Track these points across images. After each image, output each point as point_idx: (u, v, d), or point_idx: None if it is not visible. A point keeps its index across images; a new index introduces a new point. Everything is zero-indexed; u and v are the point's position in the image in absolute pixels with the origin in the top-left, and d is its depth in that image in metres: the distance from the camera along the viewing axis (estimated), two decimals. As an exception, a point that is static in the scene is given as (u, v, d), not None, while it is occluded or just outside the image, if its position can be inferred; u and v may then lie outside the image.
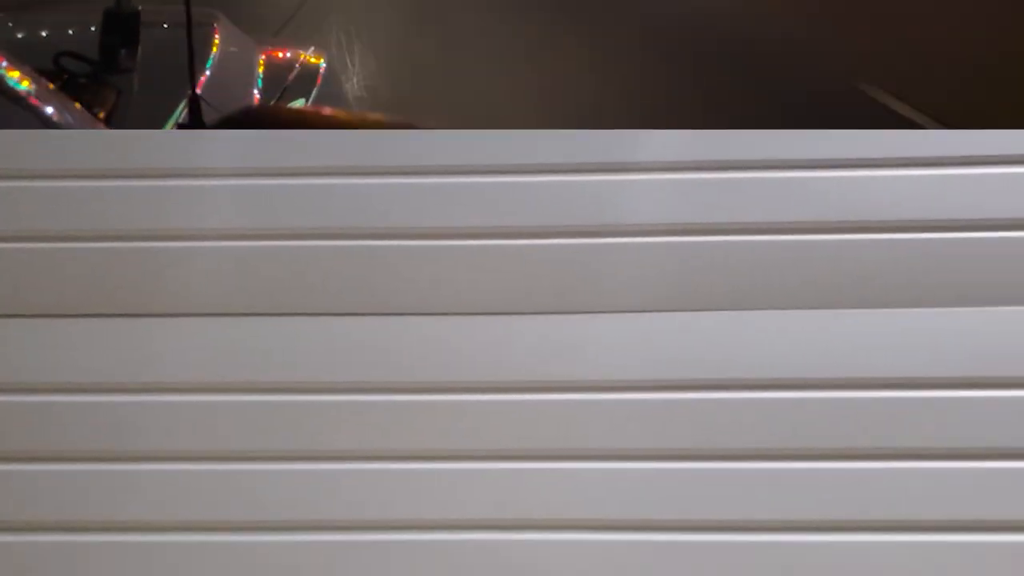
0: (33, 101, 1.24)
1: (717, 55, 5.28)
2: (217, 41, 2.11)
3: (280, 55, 2.37)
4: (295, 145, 1.17)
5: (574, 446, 1.10)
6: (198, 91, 1.42)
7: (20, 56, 1.30)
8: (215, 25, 2.17)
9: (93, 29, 1.83)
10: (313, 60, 2.42)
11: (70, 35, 2.16)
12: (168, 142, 1.18)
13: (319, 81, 2.35)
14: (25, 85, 1.25)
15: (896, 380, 1.09)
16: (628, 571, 1.08)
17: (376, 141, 1.17)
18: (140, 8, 1.78)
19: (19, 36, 2.20)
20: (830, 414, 1.09)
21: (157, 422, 1.13)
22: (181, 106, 1.63)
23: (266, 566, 1.09)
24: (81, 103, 1.41)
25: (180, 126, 1.60)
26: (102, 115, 1.59)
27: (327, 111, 1.86)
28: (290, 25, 5.64)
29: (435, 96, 4.40)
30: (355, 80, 4.63)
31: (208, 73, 1.98)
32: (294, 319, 1.14)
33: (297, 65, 2.34)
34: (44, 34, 2.24)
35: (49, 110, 1.25)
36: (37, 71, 1.33)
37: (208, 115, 1.41)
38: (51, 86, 1.36)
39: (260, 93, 2.15)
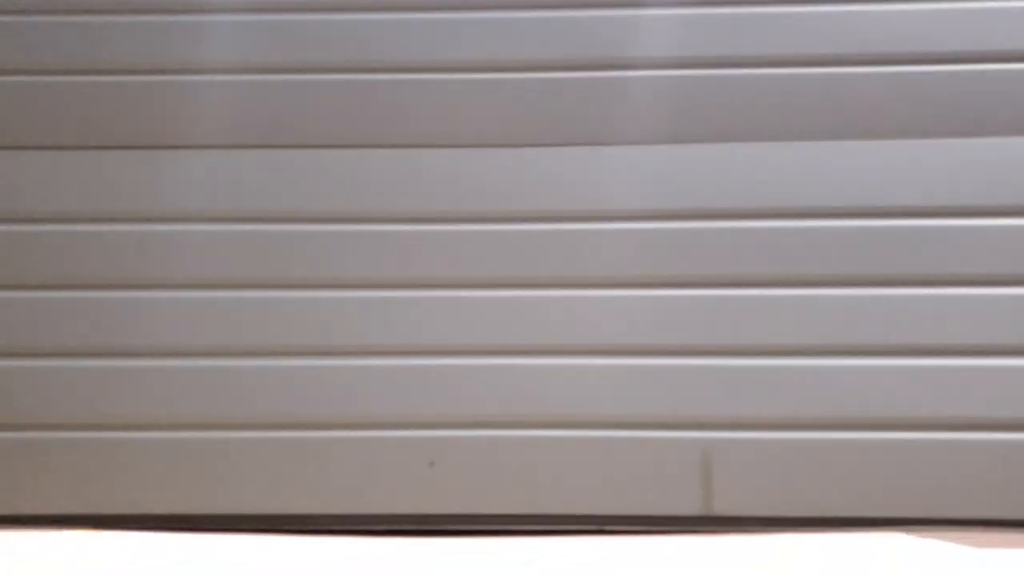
0: None
1: None
2: None
3: None
4: None
5: (576, 274, 1.13)
6: None
7: None
8: None
9: None
10: None
11: None
12: None
13: None
14: None
15: (891, 209, 1.12)
16: (627, 393, 1.11)
17: None
18: None
19: None
20: (825, 242, 1.12)
21: (163, 250, 1.14)
22: None
23: (270, 389, 1.11)
24: None
25: None
26: None
27: None
28: None
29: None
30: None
31: None
32: (301, 152, 1.15)
33: None
34: None
35: None
36: None
37: None
38: None
39: None
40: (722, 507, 1.07)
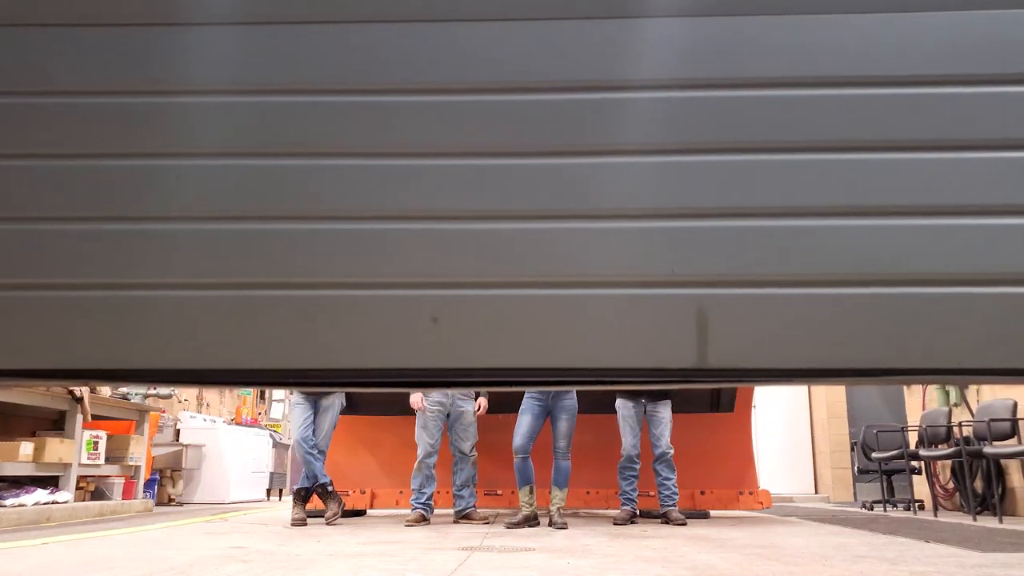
0: None
1: None
2: None
3: None
4: None
5: (577, 142, 1.17)
6: None
7: None
8: None
9: None
10: None
11: None
12: None
13: None
14: None
15: (895, 78, 1.16)
16: (626, 254, 1.15)
17: None
18: None
19: None
20: (833, 109, 1.16)
21: (176, 121, 1.19)
22: None
23: (281, 251, 1.16)
24: None
25: None
26: None
27: None
28: None
29: None
30: None
31: None
32: (307, 26, 1.20)
33: None
34: None
35: None
36: None
37: None
38: None
39: None
40: (716, 360, 1.12)
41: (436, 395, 5.85)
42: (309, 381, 1.19)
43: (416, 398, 5.82)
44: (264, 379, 1.18)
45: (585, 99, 1.18)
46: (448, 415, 5.88)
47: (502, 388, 1.17)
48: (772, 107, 1.17)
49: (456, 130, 1.19)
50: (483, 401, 5.98)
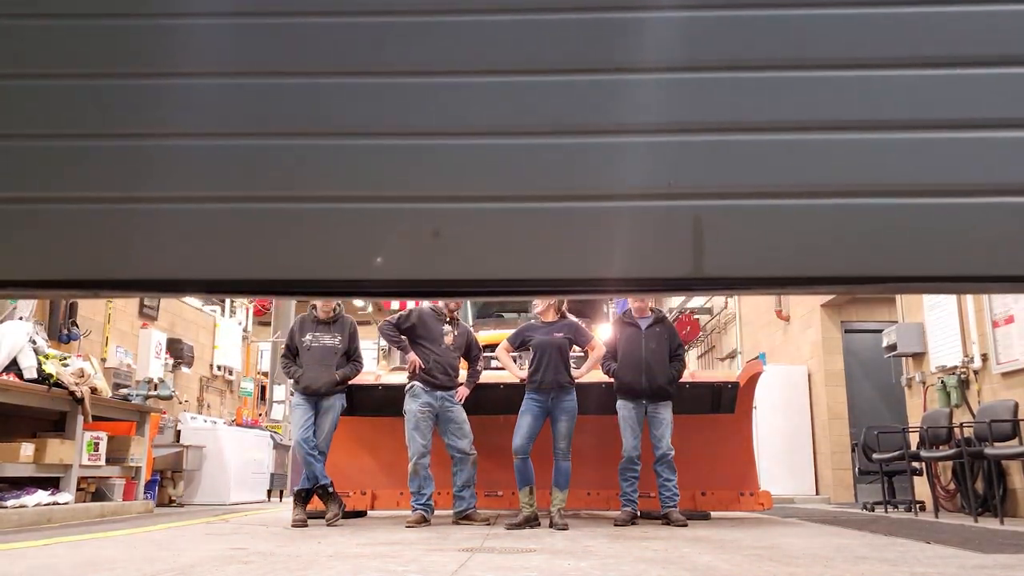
0: None
1: None
2: None
3: None
4: None
5: (576, 59, 1.18)
6: None
7: None
8: None
9: None
10: None
11: None
12: None
13: None
14: None
15: None
16: (625, 167, 1.17)
17: None
18: None
19: None
20: (831, 27, 1.18)
21: (180, 40, 1.21)
22: None
23: (288, 166, 1.18)
24: None
25: None
26: None
27: None
28: None
29: None
30: None
31: None
32: None
33: None
34: None
35: None
36: None
37: None
38: None
39: None
40: (712, 269, 1.14)
41: (424, 396, 5.85)
42: (314, 291, 1.22)
43: (412, 356, 5.94)
44: (270, 288, 1.21)
45: (588, 19, 1.19)
46: (437, 416, 5.88)
47: (501, 298, 1.20)
48: (770, 25, 1.19)
49: (460, 48, 1.20)
50: (464, 390, 5.98)
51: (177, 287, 1.20)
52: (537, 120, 1.19)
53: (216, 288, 1.20)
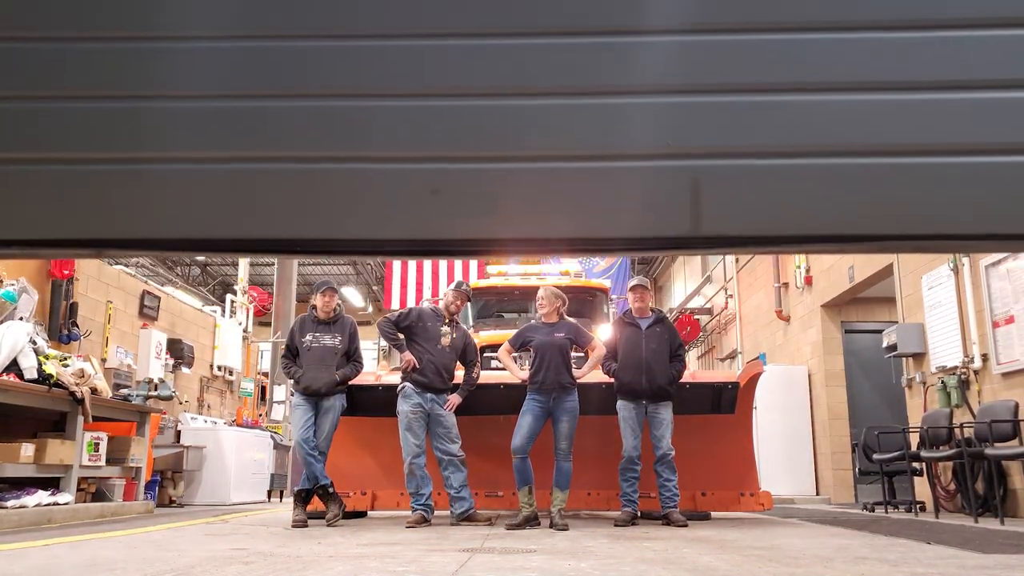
0: None
1: None
2: None
3: None
4: None
5: (576, 23, 1.20)
6: None
7: None
8: None
9: None
10: None
11: None
12: None
13: None
14: None
15: None
16: (623, 127, 1.18)
17: None
18: None
19: None
20: None
21: (176, 5, 1.22)
22: None
23: (289, 126, 1.19)
24: None
25: None
26: None
27: None
28: None
29: None
30: None
31: None
32: None
33: None
34: None
35: None
36: None
37: None
38: None
39: None
40: (709, 228, 1.16)
41: (415, 397, 5.84)
42: (314, 250, 1.23)
43: (407, 355, 5.95)
44: (271, 247, 1.22)
45: None
46: (428, 416, 5.88)
47: (500, 254, 1.22)
48: None
49: (459, 10, 1.21)
50: (455, 398, 5.97)
51: (178, 246, 1.22)
52: (536, 81, 1.20)
53: (217, 247, 1.22)
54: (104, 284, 9.39)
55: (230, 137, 1.20)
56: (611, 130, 1.18)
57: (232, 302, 13.01)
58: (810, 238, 1.17)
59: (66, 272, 8.45)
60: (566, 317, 5.94)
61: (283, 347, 6.57)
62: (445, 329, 6.04)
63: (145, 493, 7.70)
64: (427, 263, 14.99)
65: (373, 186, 1.19)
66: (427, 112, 1.20)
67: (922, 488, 7.63)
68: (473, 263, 14.89)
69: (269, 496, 10.66)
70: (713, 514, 6.37)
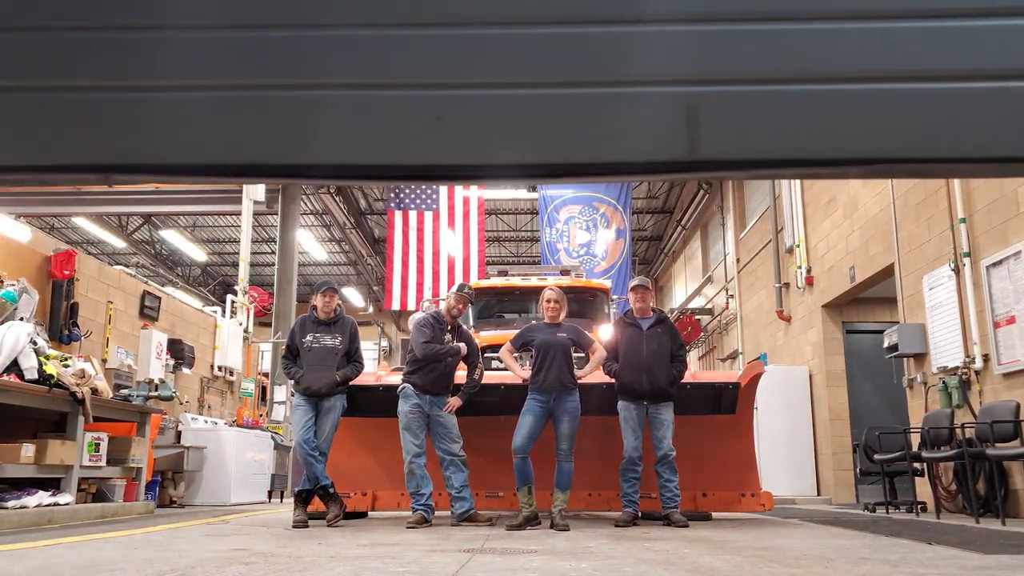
0: None
1: None
2: None
3: None
4: None
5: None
6: None
7: None
8: None
9: None
10: None
11: None
12: None
13: None
14: None
15: None
16: (621, 55, 1.20)
17: None
18: None
19: None
20: None
21: None
22: None
23: (280, 56, 1.21)
24: None
25: None
26: None
27: None
28: None
29: None
30: None
31: None
32: None
33: None
34: None
35: None
36: None
37: None
38: None
39: None
40: (706, 152, 1.18)
41: (415, 398, 5.84)
42: (318, 174, 1.25)
43: (461, 346, 6.00)
44: (274, 172, 1.25)
45: None
46: (428, 417, 5.87)
47: (501, 180, 1.25)
48: None
49: None
50: (455, 400, 5.97)
51: (185, 171, 1.24)
52: (537, 10, 1.22)
53: (226, 171, 1.24)
54: (104, 285, 9.39)
55: (236, 65, 1.22)
56: (611, 57, 1.21)
57: (233, 302, 13.01)
58: (807, 162, 1.20)
59: (66, 272, 8.46)
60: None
61: (283, 347, 6.57)
62: (447, 338, 6.03)
63: (146, 494, 7.70)
64: (427, 263, 14.98)
65: (375, 112, 1.21)
66: (431, 41, 1.22)
67: (923, 488, 7.63)
68: (473, 264, 14.89)
69: (270, 497, 10.66)
70: (714, 515, 6.36)
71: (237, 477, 9.34)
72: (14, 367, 6.10)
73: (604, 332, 7.29)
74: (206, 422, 10.23)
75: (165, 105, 1.23)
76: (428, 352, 5.87)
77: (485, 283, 9.52)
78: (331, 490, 5.84)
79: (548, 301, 5.86)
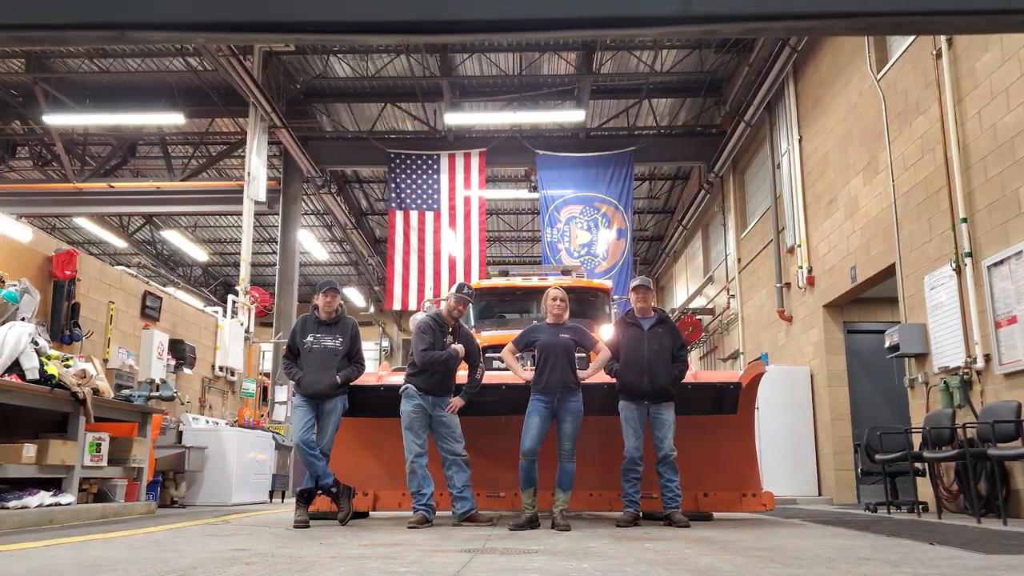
0: None
1: None
2: None
3: None
4: None
5: None
6: None
7: None
8: None
9: None
10: None
11: None
12: None
13: None
14: None
15: None
16: None
17: None
18: None
19: None
20: None
21: None
22: None
23: None
24: None
25: None
26: None
27: None
28: None
29: None
30: None
31: None
32: None
33: None
34: None
35: None
36: None
37: None
38: None
39: None
40: (700, 8, 1.19)
41: (417, 398, 5.85)
42: (339, 30, 1.24)
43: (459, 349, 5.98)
44: (289, 28, 1.25)
45: None
46: (430, 417, 5.88)
47: (502, 34, 1.27)
48: None
49: None
50: (457, 401, 5.96)
51: (200, 28, 1.25)
52: None
53: (234, 28, 1.24)
54: (106, 285, 9.40)
55: None
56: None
57: (234, 302, 13.01)
58: (796, 15, 1.21)
59: (68, 273, 8.46)
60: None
61: (284, 348, 6.57)
62: (448, 340, 6.03)
63: (147, 494, 7.70)
64: (428, 263, 14.97)
65: None
66: None
67: (924, 489, 7.62)
68: (474, 264, 14.89)
69: (271, 497, 10.67)
70: (715, 515, 6.36)
71: (238, 477, 9.34)
72: (15, 367, 6.10)
73: (605, 332, 7.29)
74: (207, 422, 10.23)
75: None
76: (427, 360, 5.88)
77: (486, 283, 9.52)
78: (335, 488, 5.84)
79: (554, 300, 5.85)
